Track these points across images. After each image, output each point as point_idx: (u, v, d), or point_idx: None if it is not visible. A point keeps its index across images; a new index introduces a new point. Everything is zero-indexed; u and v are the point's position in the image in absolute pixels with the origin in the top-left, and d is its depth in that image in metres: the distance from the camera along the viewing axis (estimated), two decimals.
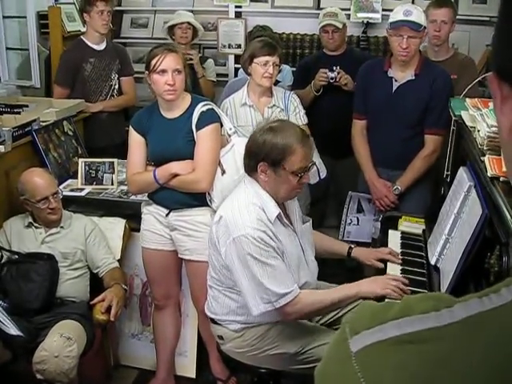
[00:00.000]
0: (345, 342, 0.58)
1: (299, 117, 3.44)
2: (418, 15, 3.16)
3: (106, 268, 3.03)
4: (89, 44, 4.10)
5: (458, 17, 3.82)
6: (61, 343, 2.59)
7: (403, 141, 3.32)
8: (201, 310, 2.81)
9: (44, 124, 3.59)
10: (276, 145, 2.25)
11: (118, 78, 4.21)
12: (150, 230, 2.94)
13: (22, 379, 2.76)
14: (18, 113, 3.70)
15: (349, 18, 4.50)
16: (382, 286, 2.26)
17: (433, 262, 2.35)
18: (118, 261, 3.12)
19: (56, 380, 2.56)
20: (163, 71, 2.69)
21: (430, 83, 3.26)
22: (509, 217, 1.65)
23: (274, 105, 3.39)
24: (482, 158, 2.04)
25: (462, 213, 2.23)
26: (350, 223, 3.63)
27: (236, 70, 4.91)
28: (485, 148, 2.05)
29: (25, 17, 4.79)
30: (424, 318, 0.55)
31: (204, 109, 2.78)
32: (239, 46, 5.01)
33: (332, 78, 3.84)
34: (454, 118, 2.64)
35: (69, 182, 3.59)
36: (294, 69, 4.42)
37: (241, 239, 2.20)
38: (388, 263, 2.56)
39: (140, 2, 5.41)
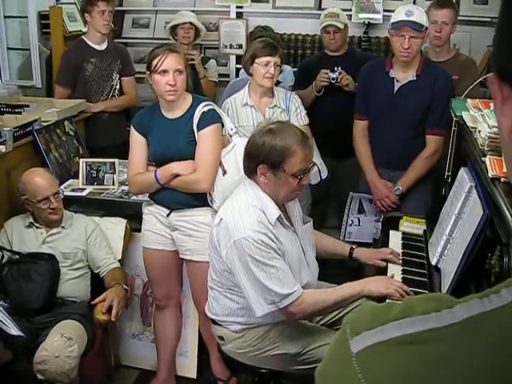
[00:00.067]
0: (345, 343, 0.58)
1: (300, 117, 3.44)
2: (419, 15, 3.16)
3: (106, 268, 3.03)
4: (90, 44, 4.10)
5: (459, 17, 3.81)
6: (61, 343, 2.59)
7: (405, 141, 3.32)
8: (201, 311, 2.81)
9: (45, 124, 3.59)
10: (275, 147, 2.23)
11: (120, 78, 4.22)
12: (150, 230, 2.94)
13: (22, 379, 2.76)
14: (19, 113, 3.70)
15: (350, 19, 4.51)
16: (385, 286, 2.26)
17: (434, 263, 2.35)
18: (119, 261, 3.12)
19: (57, 380, 2.56)
20: (164, 71, 2.69)
21: (431, 84, 3.26)
22: (509, 217, 1.65)
23: (275, 105, 3.39)
24: (482, 159, 2.04)
25: (462, 213, 2.23)
26: (351, 224, 3.63)
27: (237, 70, 4.91)
28: (486, 148, 2.04)
29: (26, 17, 4.80)
30: (425, 318, 0.55)
31: (205, 109, 2.78)
32: (240, 47, 5.01)
33: (333, 79, 3.84)
34: (455, 119, 2.65)
35: (70, 182, 3.59)
36: (296, 69, 4.41)
37: (242, 242, 2.19)
38: (389, 264, 2.56)
39: (141, 2, 5.41)
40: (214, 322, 2.50)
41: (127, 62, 4.33)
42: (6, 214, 3.11)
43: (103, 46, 4.15)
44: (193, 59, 4.26)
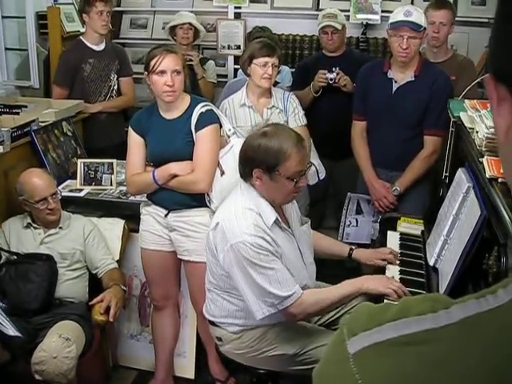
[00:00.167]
0: (342, 344, 0.58)
1: (298, 118, 3.44)
2: (418, 16, 3.17)
3: (104, 269, 3.03)
4: (88, 44, 4.10)
5: (456, 18, 3.82)
6: (59, 344, 2.59)
7: (403, 142, 3.33)
8: (199, 311, 2.81)
9: (43, 124, 3.59)
10: (270, 150, 2.21)
11: (117, 79, 4.21)
12: (148, 230, 2.94)
13: (20, 380, 2.76)
14: (17, 113, 3.69)
15: (348, 20, 4.50)
16: (384, 285, 2.26)
17: (431, 263, 2.35)
18: (117, 261, 3.12)
19: (55, 381, 2.56)
20: (162, 72, 2.69)
21: (429, 84, 3.26)
22: (507, 218, 1.65)
23: (273, 106, 3.39)
24: (480, 159, 2.04)
25: (460, 214, 2.23)
26: (348, 225, 3.63)
27: (235, 70, 4.91)
28: (483, 149, 2.05)
29: (24, 17, 4.80)
30: (421, 319, 0.55)
31: (203, 110, 2.78)
32: (238, 47, 5.01)
33: (331, 79, 3.84)
34: (452, 120, 2.65)
35: (68, 182, 3.58)
36: (293, 70, 4.41)
37: (239, 246, 2.18)
38: (387, 264, 2.56)
39: (139, 2, 5.41)
40: (211, 323, 2.50)
41: (125, 62, 4.33)
42: (4, 215, 3.11)
43: (101, 47, 4.14)
44: (191, 60, 4.26)
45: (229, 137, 2.84)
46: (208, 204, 2.78)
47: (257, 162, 2.24)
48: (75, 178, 3.56)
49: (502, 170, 1.80)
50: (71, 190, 3.48)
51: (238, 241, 2.18)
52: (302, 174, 2.28)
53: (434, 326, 0.54)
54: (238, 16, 5.11)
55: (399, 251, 2.64)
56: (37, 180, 2.94)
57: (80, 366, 2.66)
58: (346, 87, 3.84)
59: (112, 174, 3.53)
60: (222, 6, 5.05)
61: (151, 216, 2.91)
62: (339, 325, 0.61)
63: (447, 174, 2.79)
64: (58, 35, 4.52)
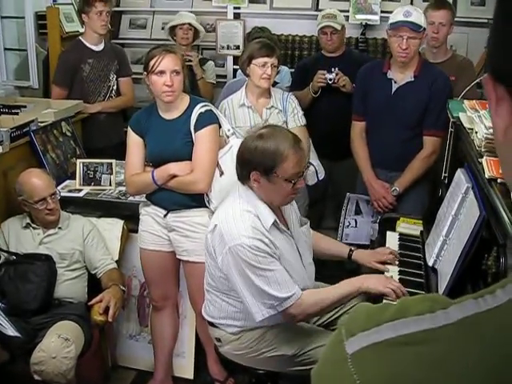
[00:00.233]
0: (341, 344, 0.58)
1: (297, 118, 3.44)
2: (417, 16, 3.17)
3: (103, 269, 3.02)
4: (87, 45, 4.10)
5: (456, 19, 3.82)
6: (58, 344, 2.59)
7: (402, 142, 3.33)
8: (198, 311, 2.81)
9: (42, 125, 3.59)
10: (267, 152, 2.20)
11: (117, 79, 4.21)
12: (147, 230, 2.94)
13: (19, 380, 2.76)
14: (16, 113, 3.69)
15: (347, 20, 4.50)
16: (383, 284, 2.25)
17: (430, 264, 2.35)
18: (116, 262, 3.12)
19: (54, 381, 2.56)
20: (161, 72, 2.69)
21: (429, 85, 3.26)
22: (506, 218, 1.65)
23: (272, 106, 3.40)
24: (479, 160, 2.04)
25: (459, 214, 2.23)
26: (348, 225, 3.63)
27: (234, 71, 4.91)
28: (482, 149, 2.05)
29: (23, 17, 4.80)
30: (419, 319, 0.55)
31: (202, 110, 2.78)
32: (238, 47, 5.02)
33: (330, 80, 3.84)
34: (451, 120, 2.65)
35: (67, 182, 3.58)
36: (293, 70, 4.42)
37: (237, 248, 2.17)
38: (386, 265, 2.56)
39: (139, 2, 5.41)
40: (210, 324, 2.49)
41: (124, 62, 4.33)
42: (3, 215, 3.11)
43: (100, 47, 4.14)
44: (190, 60, 4.26)
45: (228, 137, 2.84)
46: (207, 204, 2.77)
47: (254, 164, 2.22)
48: (74, 179, 3.56)
49: (501, 171, 1.80)
50: (70, 191, 3.48)
51: (236, 243, 2.17)
52: (300, 176, 2.26)
53: (432, 326, 0.54)
54: (237, 16, 5.11)
55: (398, 252, 2.64)
56: (36, 180, 2.94)
57: (79, 366, 2.66)
58: (346, 88, 3.84)
59: (111, 174, 3.53)
60: (222, 7, 5.05)
61: (150, 216, 2.91)
62: (337, 325, 0.61)
63: (446, 175, 2.79)
64: (57, 35, 4.52)
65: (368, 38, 4.77)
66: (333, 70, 3.85)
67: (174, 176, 2.76)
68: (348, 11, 4.67)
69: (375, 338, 0.55)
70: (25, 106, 3.83)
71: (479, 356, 0.51)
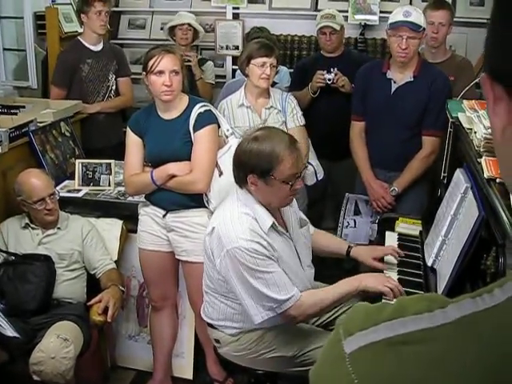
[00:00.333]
0: (339, 344, 0.58)
1: (296, 118, 3.44)
2: (417, 16, 3.17)
3: (102, 269, 3.02)
4: (86, 45, 4.10)
5: (455, 19, 3.83)
6: (57, 344, 2.59)
7: (402, 142, 3.33)
8: (198, 312, 2.80)
9: (41, 125, 3.59)
10: (262, 154, 2.18)
11: (115, 79, 4.21)
12: (146, 231, 2.94)
13: (18, 380, 2.76)
14: (15, 114, 3.69)
15: (346, 20, 4.50)
16: (382, 283, 2.24)
17: (429, 264, 2.35)
18: (115, 262, 3.12)
19: (53, 381, 2.56)
20: (160, 72, 2.69)
21: (428, 85, 3.26)
22: (505, 218, 1.65)
23: (271, 106, 3.40)
24: (478, 160, 2.04)
25: (458, 214, 2.23)
26: (347, 226, 3.63)
27: (233, 71, 4.91)
28: (481, 149, 2.05)
29: (22, 17, 4.80)
30: (417, 318, 0.55)
31: (201, 110, 2.78)
32: (237, 48, 5.01)
33: (329, 80, 3.84)
34: (451, 120, 2.65)
35: (66, 183, 3.58)
36: (292, 70, 4.42)
37: (235, 251, 2.17)
38: (385, 258, 2.55)
39: (138, 3, 5.40)
40: (209, 325, 2.49)
41: (123, 62, 4.33)
42: (2, 215, 3.11)
43: (99, 47, 4.14)
44: (189, 60, 4.26)
45: (227, 137, 2.84)
46: (206, 204, 2.77)
47: (250, 167, 2.21)
48: (73, 179, 3.55)
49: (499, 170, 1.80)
50: (69, 191, 3.48)
51: (234, 246, 2.17)
52: (298, 177, 2.25)
53: (430, 326, 0.54)
54: (236, 16, 5.11)
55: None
56: (35, 180, 2.94)
57: (78, 367, 2.66)
58: (345, 88, 3.84)
59: (110, 174, 3.53)
60: (221, 7, 5.05)
61: (149, 216, 2.91)
62: (335, 325, 0.61)
63: (445, 175, 2.79)
64: (56, 35, 4.51)
65: (367, 38, 4.77)
66: (332, 70, 3.85)
67: (173, 176, 2.76)
68: (347, 11, 4.67)
69: (373, 337, 0.55)
70: (24, 107, 3.83)
71: (477, 355, 0.51)
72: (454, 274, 2.02)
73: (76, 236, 3.03)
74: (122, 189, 3.40)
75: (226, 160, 2.75)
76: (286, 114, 3.41)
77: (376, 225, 3.13)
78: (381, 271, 2.51)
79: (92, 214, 3.29)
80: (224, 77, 5.04)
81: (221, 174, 2.77)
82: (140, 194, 2.98)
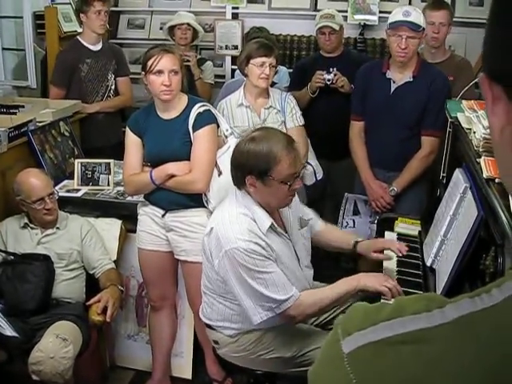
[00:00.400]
0: (337, 343, 0.58)
1: (296, 118, 3.44)
2: (416, 16, 3.17)
3: (101, 269, 3.02)
4: (85, 44, 4.10)
5: (454, 19, 3.83)
6: (56, 344, 2.59)
7: (401, 142, 3.33)
8: (196, 312, 2.80)
9: (40, 125, 3.59)
10: (259, 155, 2.18)
11: (115, 79, 4.21)
12: (146, 230, 2.93)
13: (17, 380, 2.76)
14: (14, 113, 3.69)
15: (346, 20, 4.51)
16: (380, 282, 2.23)
17: (428, 264, 2.35)
18: (114, 262, 3.12)
19: (52, 381, 2.56)
20: (160, 72, 2.69)
21: (427, 85, 3.26)
22: (504, 218, 1.65)
23: (270, 106, 3.39)
24: (477, 160, 2.04)
25: (457, 214, 2.23)
26: (346, 226, 3.63)
27: (233, 71, 4.91)
28: (480, 150, 2.05)
29: (21, 17, 4.80)
30: (415, 318, 0.55)
31: (201, 110, 2.78)
32: (236, 48, 5.01)
33: (329, 80, 3.83)
34: (450, 120, 2.65)
35: (65, 182, 3.58)
36: (291, 70, 4.42)
37: (233, 252, 2.16)
38: (384, 265, 2.55)
39: (137, 2, 5.41)
40: (208, 326, 2.49)
41: (122, 62, 4.33)
42: (1, 215, 3.11)
43: (98, 47, 4.14)
44: (188, 60, 4.26)
45: (226, 137, 2.84)
46: (205, 204, 2.77)
47: (248, 167, 2.21)
48: (72, 179, 3.55)
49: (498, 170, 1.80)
50: (68, 191, 3.48)
51: (233, 247, 2.16)
52: (296, 177, 2.24)
53: (428, 326, 0.54)
54: (235, 16, 5.11)
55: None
56: (34, 180, 2.94)
57: (77, 367, 2.66)
58: (344, 88, 3.84)
59: (109, 174, 3.53)
60: (220, 7, 5.05)
61: (148, 216, 2.91)
62: (334, 325, 0.61)
63: (444, 175, 2.79)
64: (56, 35, 4.51)
65: (366, 38, 4.77)
66: (331, 70, 3.84)
67: (173, 176, 2.76)
68: (346, 11, 4.67)
69: (372, 337, 0.55)
70: (23, 106, 3.83)
71: (475, 355, 0.51)
72: (453, 273, 2.02)
73: (75, 236, 3.03)
74: (121, 188, 3.40)
75: (225, 160, 2.75)
76: (285, 113, 3.41)
77: (375, 225, 3.12)
78: (381, 266, 2.50)
79: (91, 213, 3.29)
80: (223, 77, 5.04)
81: (220, 173, 2.77)
82: (139, 193, 2.98)
